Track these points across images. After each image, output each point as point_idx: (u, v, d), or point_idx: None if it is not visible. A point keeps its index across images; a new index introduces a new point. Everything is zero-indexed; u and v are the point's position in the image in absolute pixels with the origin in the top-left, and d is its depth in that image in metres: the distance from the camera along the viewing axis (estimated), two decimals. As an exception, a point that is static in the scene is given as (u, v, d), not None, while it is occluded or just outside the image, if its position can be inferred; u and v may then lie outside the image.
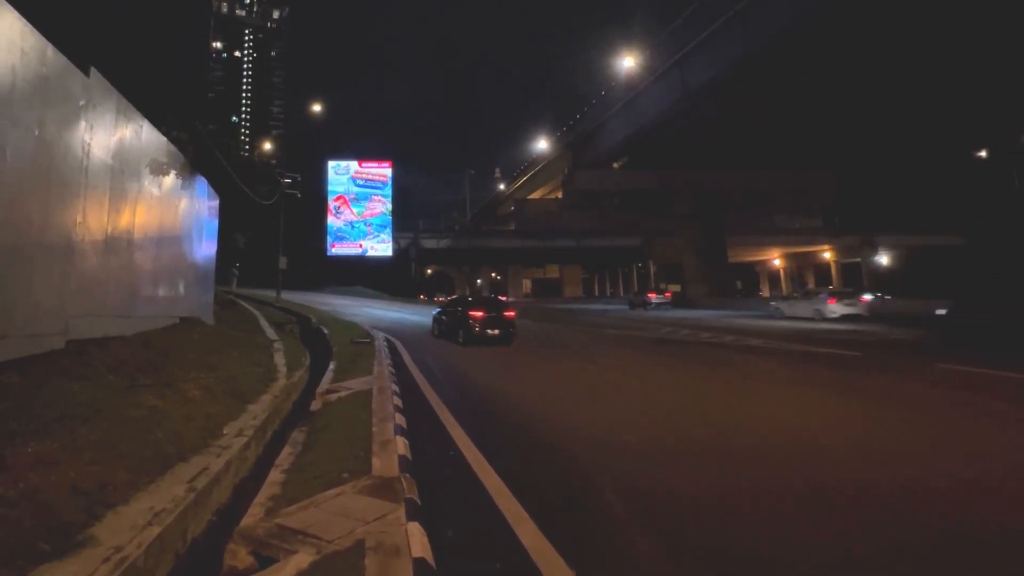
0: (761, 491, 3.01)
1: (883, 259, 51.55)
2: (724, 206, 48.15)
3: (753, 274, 67.28)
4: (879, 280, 50.26)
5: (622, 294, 55.63)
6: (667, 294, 38.12)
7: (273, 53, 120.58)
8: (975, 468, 3.43)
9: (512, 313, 12.58)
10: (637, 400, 5.77)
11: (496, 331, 11.97)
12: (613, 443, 3.96)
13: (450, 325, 13.30)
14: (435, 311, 15.69)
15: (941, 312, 12.94)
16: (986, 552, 2.36)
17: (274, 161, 25.59)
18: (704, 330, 15.41)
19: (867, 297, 22.20)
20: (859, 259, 53.35)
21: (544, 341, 13.07)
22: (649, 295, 36.21)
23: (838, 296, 21.61)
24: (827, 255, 56.43)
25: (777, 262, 63.82)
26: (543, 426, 4.48)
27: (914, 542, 2.41)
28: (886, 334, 14.09)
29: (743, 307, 30.82)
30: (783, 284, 63.38)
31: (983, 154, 38.74)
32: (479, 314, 12.07)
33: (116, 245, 5.62)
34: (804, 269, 61.29)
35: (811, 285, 58.95)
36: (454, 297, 14.56)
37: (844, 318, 20.36)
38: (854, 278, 54.10)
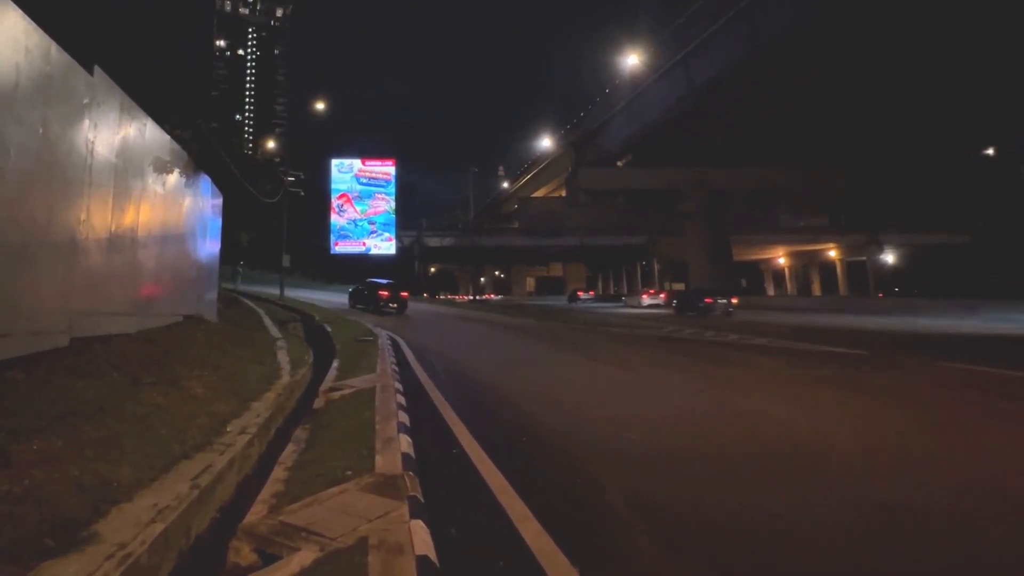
0: (763, 490, 2.99)
1: (888, 257, 51.29)
2: (728, 204, 48.04)
3: (758, 272, 66.90)
4: (884, 278, 50.01)
5: (626, 291, 58.44)
6: (591, 292, 56.85)
7: (276, 51, 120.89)
8: (981, 468, 3.41)
9: (406, 294, 19.44)
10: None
11: (395, 305, 18.64)
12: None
13: (363, 299, 19.47)
14: (350, 288, 22.43)
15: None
16: (992, 553, 2.34)
17: (277, 159, 25.70)
18: (593, 314, 24.37)
19: (664, 294, 37.53)
20: (864, 258, 53.05)
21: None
22: (579, 293, 51.16)
23: (648, 294, 38.50)
24: (832, 253, 56.10)
25: (782, 260, 63.46)
26: (543, 427, 4.47)
27: (919, 543, 2.40)
28: (657, 312, 28.13)
29: (616, 302, 47.91)
30: (788, 282, 63.07)
31: (990, 152, 38.45)
32: (385, 294, 18.55)
33: (120, 243, 5.64)
34: (810, 267, 60.90)
35: (816, 284, 58.77)
36: (369, 280, 20.48)
37: (651, 306, 34.11)
38: (859, 276, 53.81)
